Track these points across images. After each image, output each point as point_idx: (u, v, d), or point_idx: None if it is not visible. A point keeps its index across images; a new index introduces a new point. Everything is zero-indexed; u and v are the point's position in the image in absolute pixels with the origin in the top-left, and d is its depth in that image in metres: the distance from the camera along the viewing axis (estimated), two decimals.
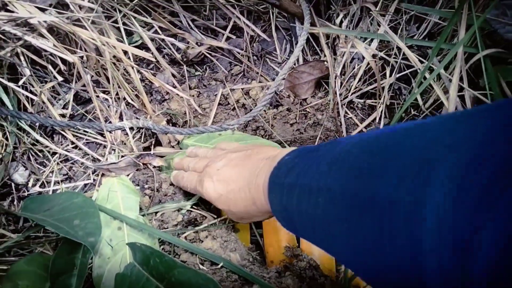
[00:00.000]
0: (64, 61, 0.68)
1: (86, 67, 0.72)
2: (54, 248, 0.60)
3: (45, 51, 0.65)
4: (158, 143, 0.79)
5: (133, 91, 0.77)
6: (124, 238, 0.60)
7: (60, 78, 0.68)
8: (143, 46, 0.81)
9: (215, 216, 0.65)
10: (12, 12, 0.62)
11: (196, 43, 0.83)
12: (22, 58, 0.65)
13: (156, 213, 0.65)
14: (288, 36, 0.88)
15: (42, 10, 0.65)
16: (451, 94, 0.60)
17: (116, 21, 0.72)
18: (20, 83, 0.66)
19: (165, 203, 0.66)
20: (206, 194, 0.55)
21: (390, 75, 0.73)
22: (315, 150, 0.38)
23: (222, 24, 0.89)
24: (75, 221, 0.54)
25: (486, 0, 0.62)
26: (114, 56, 0.69)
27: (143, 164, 0.71)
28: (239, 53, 0.86)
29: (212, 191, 0.54)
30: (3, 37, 0.62)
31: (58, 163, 0.72)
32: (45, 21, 0.63)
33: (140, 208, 0.64)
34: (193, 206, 0.66)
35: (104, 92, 0.78)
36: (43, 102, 0.70)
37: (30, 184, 0.69)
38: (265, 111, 0.81)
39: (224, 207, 0.53)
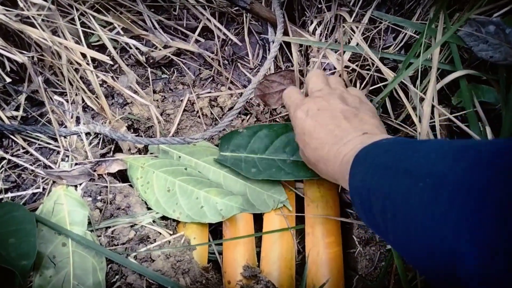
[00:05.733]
0: (15, 62, 0.63)
1: (40, 69, 0.67)
2: None
3: None
4: (118, 149, 0.75)
5: (92, 93, 0.72)
6: (69, 255, 0.56)
7: (8, 80, 0.63)
8: (105, 47, 0.76)
9: (171, 233, 0.61)
10: None
11: (164, 46, 0.78)
12: None
13: (107, 228, 0.61)
14: (262, 41, 0.84)
15: None
16: (424, 111, 0.57)
17: (73, 19, 0.67)
18: None
19: (118, 218, 0.62)
20: (293, 120, 0.56)
21: (363, 87, 0.70)
22: (412, 142, 0.41)
23: (193, 25, 0.84)
24: (11, 240, 0.50)
25: (462, 16, 0.59)
26: (70, 60, 0.65)
27: (98, 174, 0.67)
28: (209, 56, 0.81)
29: (300, 122, 0.54)
30: None
31: (6, 170, 0.67)
32: None
33: (90, 222, 0.60)
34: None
35: (61, 93, 0.74)
36: None
37: None
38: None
39: (300, 144, 0.55)
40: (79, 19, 0.67)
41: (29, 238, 0.49)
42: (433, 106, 0.57)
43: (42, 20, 0.61)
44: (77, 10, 0.66)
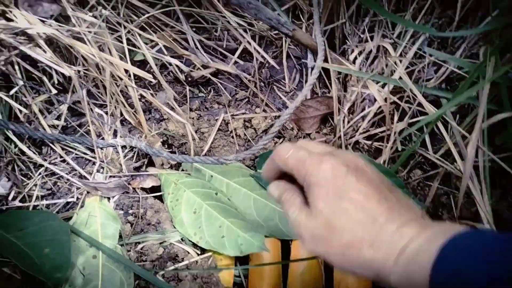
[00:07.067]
0: (61, 73, 0.65)
1: (84, 82, 0.69)
2: (23, 272, 0.56)
3: (42, 62, 0.63)
4: (151, 163, 0.76)
5: (131, 107, 0.74)
6: (99, 268, 0.57)
7: (54, 91, 0.66)
8: (146, 62, 0.78)
9: (199, 253, 0.61)
10: (11, 20, 0.60)
11: (202, 65, 0.80)
12: (16, 67, 0.63)
13: (136, 243, 0.61)
14: (299, 66, 0.84)
15: (43, 20, 0.62)
16: (468, 153, 0.55)
17: (120, 36, 0.70)
18: (12, 92, 0.64)
19: (147, 233, 0.62)
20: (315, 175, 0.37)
21: (401, 120, 0.69)
22: None
23: (232, 46, 0.86)
24: (46, 250, 0.50)
25: None
26: (113, 75, 0.66)
27: (132, 188, 0.68)
28: (246, 78, 0.82)
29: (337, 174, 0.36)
30: None
31: (43, 177, 0.69)
32: (44, 33, 0.61)
33: (120, 236, 0.61)
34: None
35: (101, 105, 0.76)
36: (34, 114, 0.67)
37: (10, 197, 0.66)
38: None
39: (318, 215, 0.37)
40: (126, 36, 0.69)
41: (64, 250, 0.50)
42: (477, 147, 0.56)
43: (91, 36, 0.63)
44: (125, 27, 0.68)
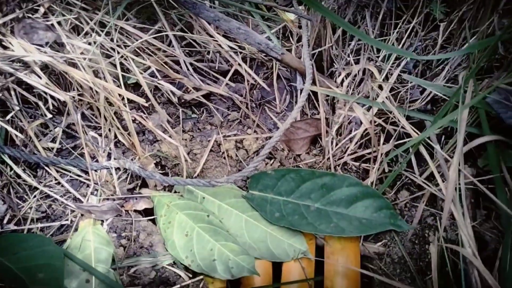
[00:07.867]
0: (56, 98, 0.67)
1: (78, 105, 0.71)
2: None
3: (37, 88, 0.64)
4: (145, 184, 0.77)
5: (125, 130, 0.76)
6: None
7: (49, 116, 0.67)
8: (140, 84, 0.79)
9: (190, 276, 0.62)
10: (7, 48, 0.62)
11: (194, 88, 0.81)
12: (12, 93, 0.64)
13: (129, 267, 0.62)
14: (289, 87, 0.87)
15: (38, 47, 0.64)
16: (450, 176, 0.57)
17: (114, 61, 0.71)
18: (8, 117, 0.65)
19: (140, 256, 0.63)
20: None
21: (387, 142, 0.71)
22: None
23: (224, 68, 0.87)
24: (39, 275, 0.51)
25: (491, 83, 0.60)
26: (108, 99, 0.68)
27: (125, 210, 0.69)
28: (238, 99, 0.84)
29: None
30: None
31: (38, 199, 0.70)
32: (39, 60, 0.62)
33: (113, 260, 0.62)
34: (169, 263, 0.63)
35: (95, 128, 0.77)
36: (30, 138, 0.68)
37: (5, 220, 0.67)
38: None
39: None
40: (119, 60, 0.71)
41: (57, 275, 0.51)
42: (459, 170, 0.57)
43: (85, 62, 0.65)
44: (118, 53, 0.70)
